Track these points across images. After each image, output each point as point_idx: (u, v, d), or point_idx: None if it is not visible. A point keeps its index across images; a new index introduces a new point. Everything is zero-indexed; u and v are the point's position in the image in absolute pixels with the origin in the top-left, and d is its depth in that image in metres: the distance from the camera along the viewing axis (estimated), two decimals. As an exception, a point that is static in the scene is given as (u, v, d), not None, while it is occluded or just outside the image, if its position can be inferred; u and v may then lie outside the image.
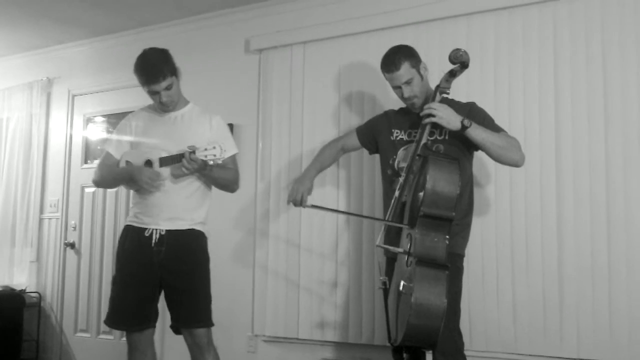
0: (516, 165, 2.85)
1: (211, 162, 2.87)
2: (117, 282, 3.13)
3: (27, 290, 5.44)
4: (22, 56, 5.87)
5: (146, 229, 3.06)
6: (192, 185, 3.10)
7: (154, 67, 2.99)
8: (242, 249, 4.49)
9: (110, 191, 5.23)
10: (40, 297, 5.46)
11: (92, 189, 5.33)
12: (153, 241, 3.03)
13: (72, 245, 5.39)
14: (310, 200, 2.99)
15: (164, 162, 3.01)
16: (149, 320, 3.10)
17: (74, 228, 5.42)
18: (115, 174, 3.16)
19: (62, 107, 5.63)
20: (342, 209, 4.06)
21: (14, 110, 5.81)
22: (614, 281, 3.33)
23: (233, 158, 3.18)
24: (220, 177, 3.11)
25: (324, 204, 4.09)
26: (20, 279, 5.55)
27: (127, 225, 3.16)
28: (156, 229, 3.05)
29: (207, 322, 3.07)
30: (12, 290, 5.40)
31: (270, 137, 4.43)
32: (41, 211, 5.60)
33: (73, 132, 5.56)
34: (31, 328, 5.39)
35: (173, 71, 3.05)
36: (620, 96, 3.40)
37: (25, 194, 5.63)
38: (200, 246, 3.14)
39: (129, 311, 3.06)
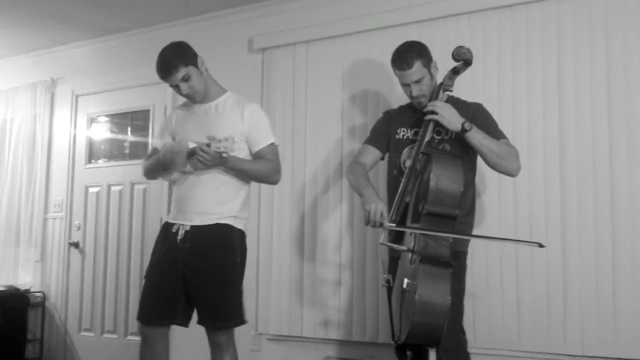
0: (510, 175, 2.84)
1: (225, 155, 2.78)
2: (146, 277, 3.08)
3: (31, 290, 5.45)
4: (26, 57, 5.88)
5: (174, 224, 3.02)
6: (217, 178, 2.99)
7: (165, 62, 2.97)
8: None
9: (114, 190, 5.26)
10: (45, 297, 5.48)
11: (96, 189, 5.36)
12: (179, 237, 2.97)
13: (76, 245, 5.40)
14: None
15: (188, 154, 2.93)
16: (164, 317, 3.00)
17: (78, 228, 5.43)
18: (152, 161, 3.12)
19: (65, 107, 5.65)
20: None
21: (18, 111, 5.82)
22: (617, 278, 3.33)
23: (270, 148, 3.04)
24: (250, 169, 2.99)
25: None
26: (25, 279, 5.56)
27: (165, 221, 3.14)
28: (182, 225, 2.99)
29: (225, 324, 2.95)
30: (17, 289, 5.41)
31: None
32: (45, 211, 5.61)
33: (77, 132, 5.57)
34: (35, 327, 5.41)
35: (188, 62, 2.98)
36: (624, 94, 3.40)
37: (30, 193, 5.65)
38: (226, 242, 2.99)
39: (149, 305, 3.00)
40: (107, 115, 5.50)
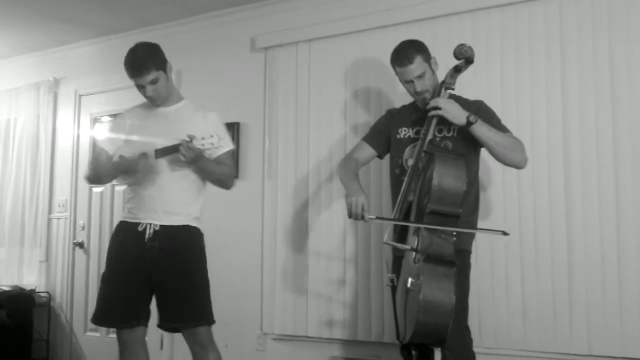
0: (518, 166, 2.84)
1: (209, 151, 2.85)
2: (106, 279, 3.06)
3: (36, 290, 5.47)
4: (29, 57, 5.89)
5: (140, 223, 3.02)
6: (187, 178, 3.05)
7: (139, 61, 2.98)
8: (250, 247, 4.49)
9: (118, 190, 5.24)
10: (50, 297, 5.49)
11: (101, 189, 5.36)
12: (146, 236, 2.98)
13: (81, 245, 5.41)
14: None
15: (159, 153, 2.94)
16: (138, 317, 3.02)
17: (83, 228, 5.43)
18: (107, 168, 3.11)
19: (68, 107, 5.65)
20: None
21: (21, 111, 5.82)
22: (623, 276, 3.31)
23: (229, 154, 3.14)
24: (215, 171, 3.06)
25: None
26: (30, 279, 5.58)
27: (121, 221, 3.12)
28: (150, 224, 2.99)
29: (200, 321, 2.99)
30: (22, 290, 5.42)
31: (277, 135, 4.42)
32: (50, 211, 5.62)
33: (80, 132, 5.58)
34: (41, 327, 5.41)
35: (159, 66, 3.02)
36: (628, 91, 3.38)
37: (34, 194, 5.66)
38: (195, 243, 3.08)
39: (118, 309, 2.99)
40: (110, 115, 5.47)
